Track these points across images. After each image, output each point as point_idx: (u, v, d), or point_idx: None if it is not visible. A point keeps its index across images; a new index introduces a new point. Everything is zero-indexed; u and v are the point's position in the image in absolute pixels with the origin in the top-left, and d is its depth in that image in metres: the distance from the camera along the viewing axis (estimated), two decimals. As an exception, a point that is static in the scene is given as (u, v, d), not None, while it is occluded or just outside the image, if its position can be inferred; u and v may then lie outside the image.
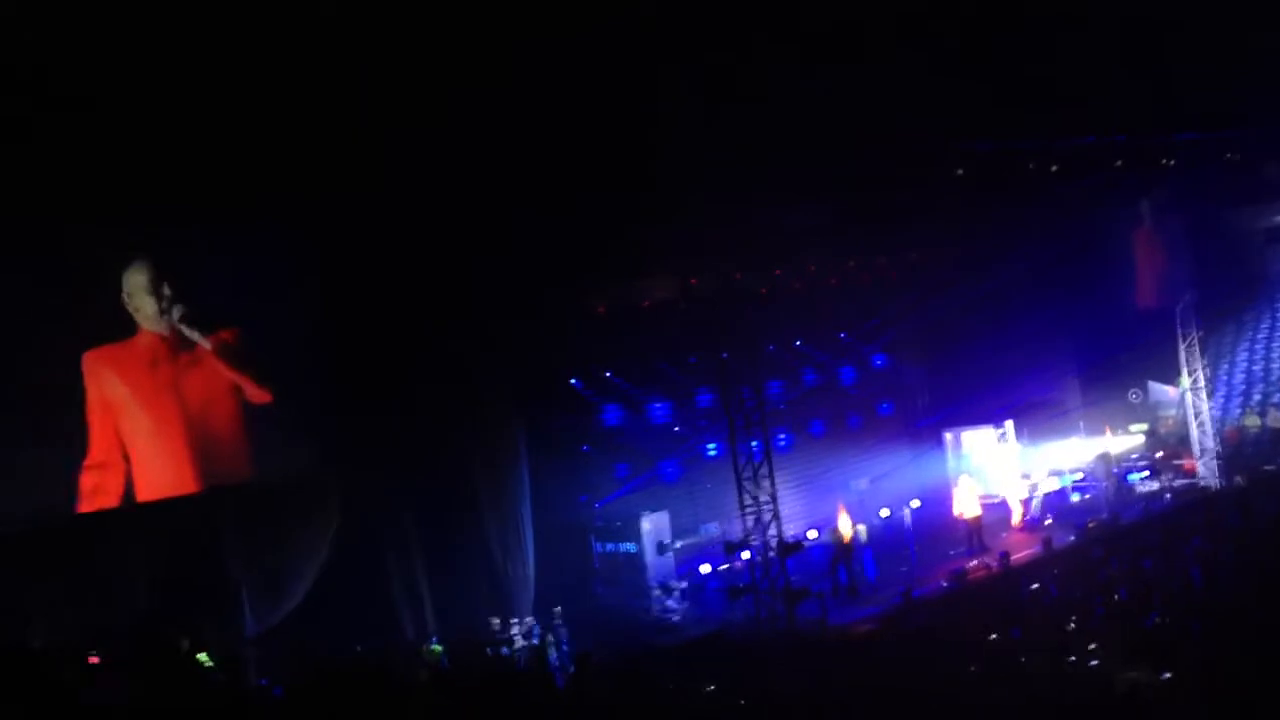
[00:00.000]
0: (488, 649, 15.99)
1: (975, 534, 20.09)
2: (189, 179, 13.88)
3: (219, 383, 15.85)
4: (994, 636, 12.76)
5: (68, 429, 14.50)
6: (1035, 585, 16.13)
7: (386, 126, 14.48)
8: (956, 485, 21.16)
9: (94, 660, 12.40)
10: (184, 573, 14.51)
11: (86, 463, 14.66)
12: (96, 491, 14.74)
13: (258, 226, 14.93)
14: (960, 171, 20.71)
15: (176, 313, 15.41)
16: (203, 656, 11.93)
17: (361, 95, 13.93)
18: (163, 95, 13.03)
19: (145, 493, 15.18)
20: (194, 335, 15.53)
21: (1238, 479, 21.73)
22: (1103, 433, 23.94)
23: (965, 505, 20.43)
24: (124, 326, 15.16)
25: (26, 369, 13.94)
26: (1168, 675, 9.41)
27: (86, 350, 14.73)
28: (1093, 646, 11.39)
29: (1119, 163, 23.12)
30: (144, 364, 15.29)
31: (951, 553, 20.03)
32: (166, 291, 15.36)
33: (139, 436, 15.15)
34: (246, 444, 15.98)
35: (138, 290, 15.24)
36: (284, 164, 14.31)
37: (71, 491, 14.52)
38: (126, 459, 15.00)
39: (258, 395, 15.97)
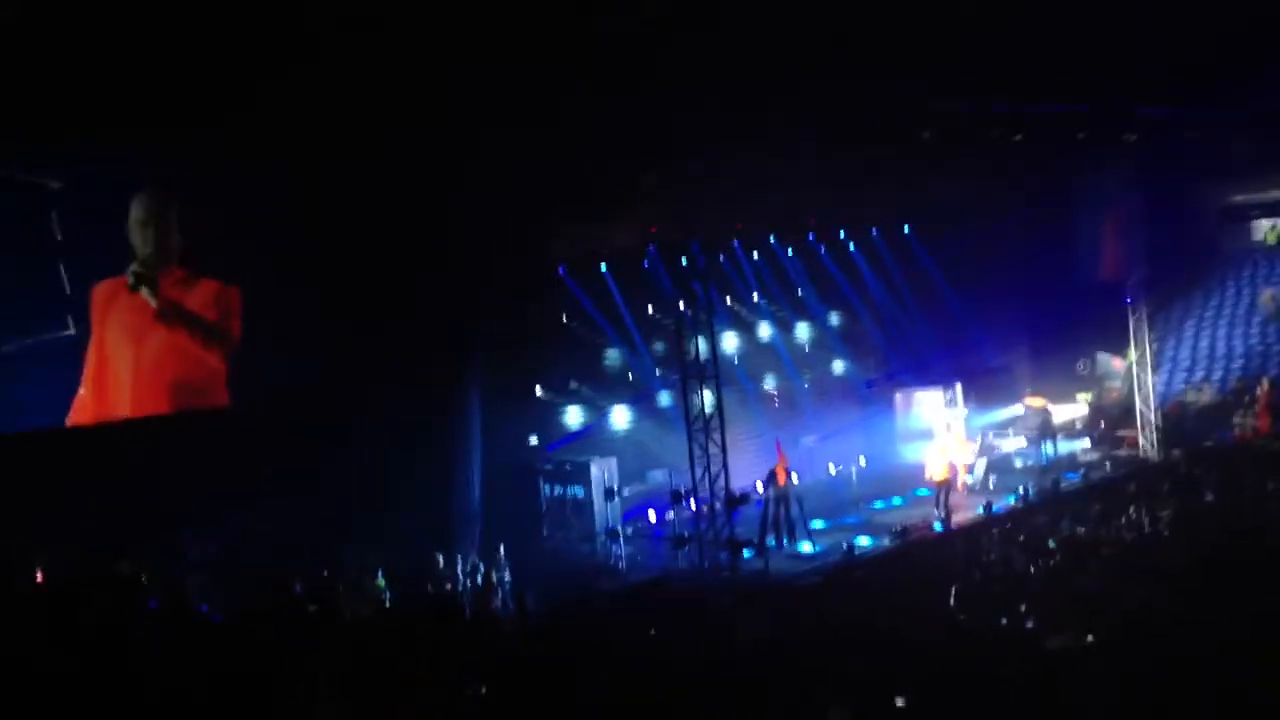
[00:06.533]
0: (430, 587, 16.04)
1: (943, 495, 20.07)
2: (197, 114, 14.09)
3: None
4: (931, 595, 12.98)
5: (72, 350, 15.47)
6: (974, 546, 16.45)
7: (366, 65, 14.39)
8: (928, 448, 21.26)
9: (39, 578, 12.38)
10: (126, 497, 14.49)
11: (81, 382, 15.59)
12: (76, 408, 15.56)
13: (249, 169, 15.52)
14: (926, 135, 20.73)
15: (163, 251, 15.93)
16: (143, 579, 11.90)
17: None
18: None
19: (114, 413, 15.82)
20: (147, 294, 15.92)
21: (1175, 453, 22.18)
22: (1038, 398, 24.22)
23: (933, 467, 20.48)
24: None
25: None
26: (1091, 638, 9.63)
27: (98, 282, 15.65)
28: (1023, 608, 11.63)
29: (1081, 135, 23.24)
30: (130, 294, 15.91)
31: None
32: (158, 227, 15.90)
33: (114, 361, 15.80)
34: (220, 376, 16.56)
35: (134, 224, 15.80)
36: (282, 108, 14.45)
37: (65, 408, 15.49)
38: (101, 381, 15.72)
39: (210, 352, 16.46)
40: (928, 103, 20.10)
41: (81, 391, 15.58)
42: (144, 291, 15.91)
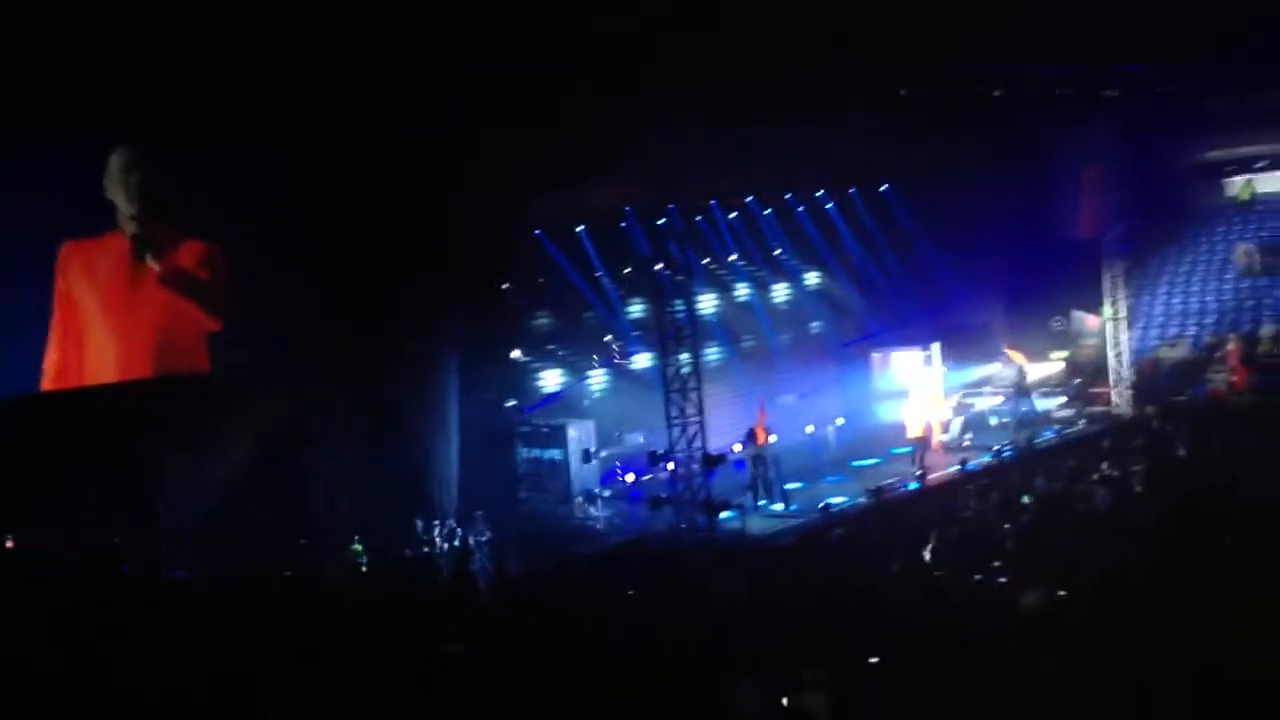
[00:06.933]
0: (408, 550, 16.05)
1: (919, 453, 20.13)
2: (178, 81, 13.89)
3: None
4: (907, 552, 13.08)
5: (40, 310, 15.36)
6: (949, 503, 16.56)
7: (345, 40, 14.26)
8: (905, 405, 21.40)
9: (9, 545, 12.33)
10: (102, 462, 14.40)
11: (50, 345, 15.41)
12: (52, 373, 15.44)
13: (228, 142, 15.21)
14: (903, 92, 20.59)
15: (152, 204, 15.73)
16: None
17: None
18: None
19: (91, 379, 15.65)
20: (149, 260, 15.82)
21: (1148, 409, 22.34)
22: (1018, 351, 24.33)
23: (911, 425, 20.57)
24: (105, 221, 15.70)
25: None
26: (1063, 594, 9.71)
27: (66, 240, 15.51)
28: (997, 564, 11.75)
29: (1058, 91, 23.14)
30: (112, 256, 15.71)
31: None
32: (143, 174, 15.68)
33: (93, 324, 15.67)
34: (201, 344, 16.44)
35: (116, 177, 15.57)
36: (281, 108, 14.47)
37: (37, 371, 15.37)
38: (80, 345, 15.61)
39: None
40: (910, 60, 20.01)
41: (53, 355, 15.34)
42: (148, 258, 15.71)
